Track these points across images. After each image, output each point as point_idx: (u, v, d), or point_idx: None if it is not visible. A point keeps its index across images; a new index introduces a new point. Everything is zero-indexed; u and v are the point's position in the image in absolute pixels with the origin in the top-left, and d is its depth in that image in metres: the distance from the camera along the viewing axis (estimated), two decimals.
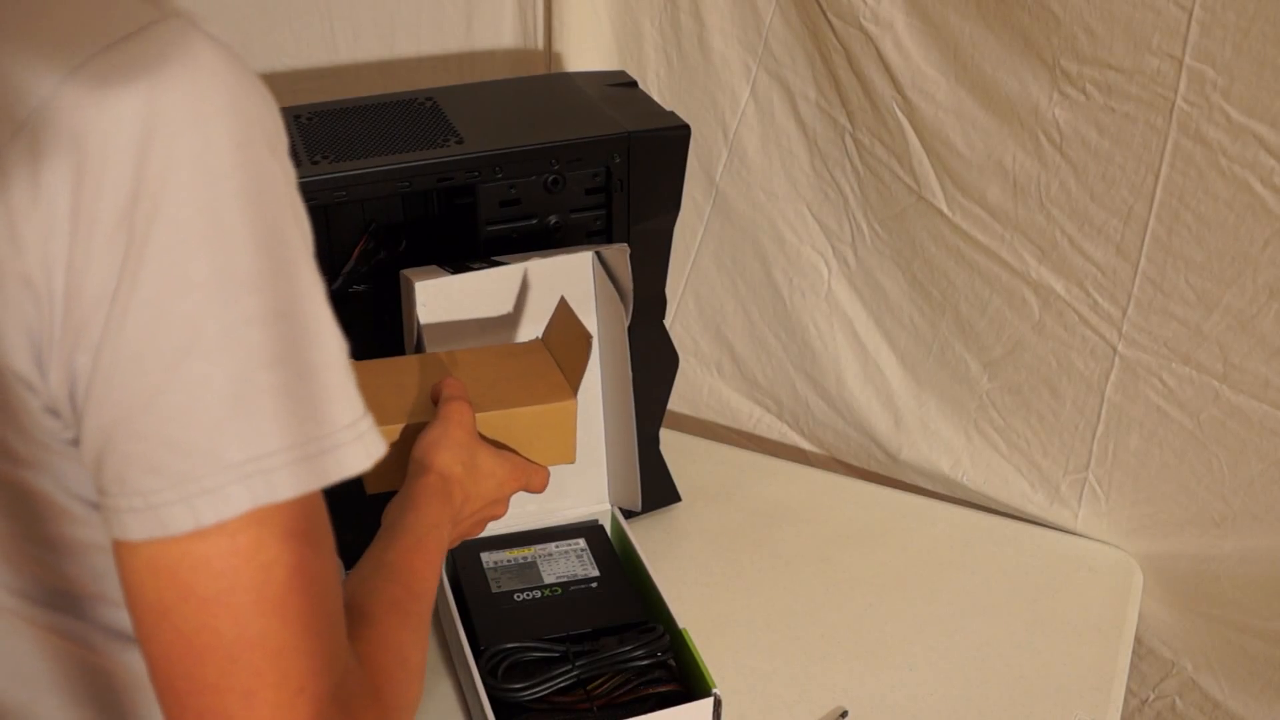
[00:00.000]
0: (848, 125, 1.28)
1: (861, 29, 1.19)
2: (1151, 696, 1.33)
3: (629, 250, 1.08)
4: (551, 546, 1.14)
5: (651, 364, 1.24)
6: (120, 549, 0.53)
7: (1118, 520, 1.23)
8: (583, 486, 1.19)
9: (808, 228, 1.38)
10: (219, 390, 0.51)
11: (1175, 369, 1.16)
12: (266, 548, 0.52)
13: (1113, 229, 1.13)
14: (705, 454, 1.44)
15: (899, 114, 1.22)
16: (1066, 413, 1.26)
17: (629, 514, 1.23)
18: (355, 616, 0.65)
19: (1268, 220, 1.04)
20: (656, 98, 1.31)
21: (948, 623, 1.19)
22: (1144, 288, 1.14)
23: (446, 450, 0.84)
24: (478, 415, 0.89)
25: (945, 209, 1.24)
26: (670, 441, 1.35)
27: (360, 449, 0.55)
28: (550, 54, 1.44)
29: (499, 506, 0.90)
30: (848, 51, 1.22)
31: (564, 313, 0.98)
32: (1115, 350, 1.19)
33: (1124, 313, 1.16)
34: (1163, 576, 1.27)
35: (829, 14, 1.21)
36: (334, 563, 0.57)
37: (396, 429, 0.88)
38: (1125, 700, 1.15)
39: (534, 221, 1.11)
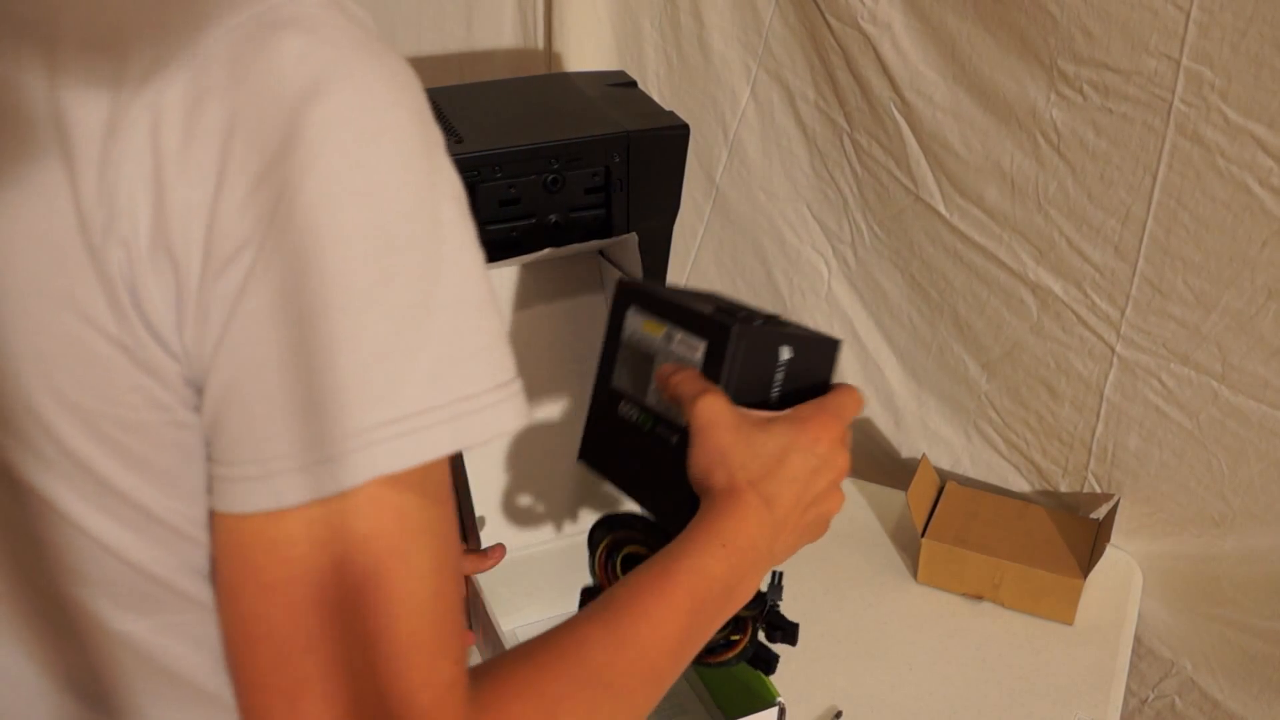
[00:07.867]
0: (846, 126, 1.28)
1: (859, 29, 1.19)
2: (1151, 696, 1.32)
3: (636, 239, 1.06)
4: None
5: None
6: (220, 522, 0.49)
7: (1117, 520, 1.23)
8: (586, 490, 1.19)
9: (808, 228, 1.38)
10: (362, 348, 0.48)
11: (1174, 369, 1.16)
12: (371, 522, 0.48)
13: (1110, 230, 1.13)
14: None
15: (896, 115, 1.22)
16: (1065, 413, 1.26)
17: None
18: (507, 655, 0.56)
19: (1266, 221, 1.04)
20: (656, 98, 1.31)
21: (947, 622, 1.19)
22: (1142, 288, 1.14)
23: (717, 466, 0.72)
24: None
25: (943, 210, 1.24)
26: None
27: (510, 410, 0.52)
28: (550, 54, 1.44)
29: (820, 479, 0.74)
30: (845, 52, 1.22)
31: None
32: (1114, 351, 1.19)
33: (1122, 313, 1.16)
34: (1162, 576, 1.27)
35: (827, 14, 1.21)
36: (455, 571, 0.52)
37: None
38: (1125, 700, 1.15)
39: (534, 221, 1.11)
